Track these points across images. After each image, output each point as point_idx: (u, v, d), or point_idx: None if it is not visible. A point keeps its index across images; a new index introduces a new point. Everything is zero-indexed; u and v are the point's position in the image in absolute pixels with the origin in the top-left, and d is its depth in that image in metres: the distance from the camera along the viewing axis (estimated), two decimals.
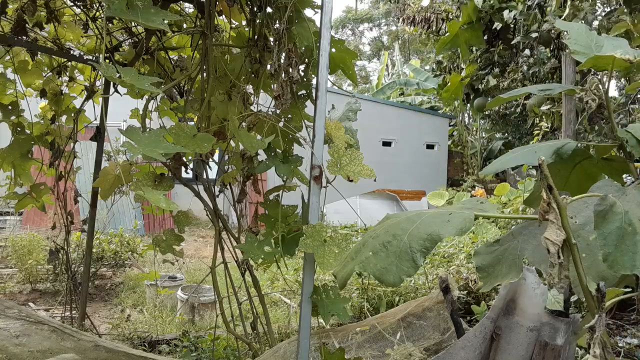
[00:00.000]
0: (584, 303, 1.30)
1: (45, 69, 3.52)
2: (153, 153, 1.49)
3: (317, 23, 1.96)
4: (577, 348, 2.93)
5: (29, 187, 3.52)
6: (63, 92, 3.59)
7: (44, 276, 6.26)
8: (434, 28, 9.56)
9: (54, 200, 3.66)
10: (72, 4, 3.26)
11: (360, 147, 2.10)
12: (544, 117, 9.16)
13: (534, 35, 7.84)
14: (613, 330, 4.50)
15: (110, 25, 3.22)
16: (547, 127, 8.97)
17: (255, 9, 2.46)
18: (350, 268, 1.35)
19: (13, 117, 3.38)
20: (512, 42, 8.58)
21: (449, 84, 8.73)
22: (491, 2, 7.63)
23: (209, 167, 2.62)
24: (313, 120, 1.89)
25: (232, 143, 2.65)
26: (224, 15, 2.74)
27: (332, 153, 1.86)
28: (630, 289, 1.48)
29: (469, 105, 11.00)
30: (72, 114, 3.60)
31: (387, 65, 21.49)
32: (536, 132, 9.27)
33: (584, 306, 3.85)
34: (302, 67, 2.28)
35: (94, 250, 5.94)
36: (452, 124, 17.54)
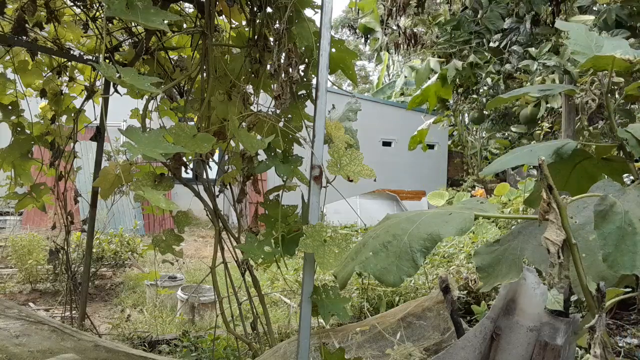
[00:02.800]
0: (584, 303, 1.30)
1: (45, 69, 3.52)
2: (153, 153, 1.49)
3: (317, 23, 1.96)
4: (577, 348, 2.93)
5: (29, 187, 3.52)
6: (63, 92, 3.59)
7: (44, 276, 6.26)
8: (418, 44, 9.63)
9: (54, 200, 3.66)
10: (72, 4, 3.26)
11: (360, 147, 2.10)
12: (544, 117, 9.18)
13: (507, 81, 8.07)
14: (613, 330, 4.50)
15: (110, 25, 3.22)
16: (548, 128, 8.96)
17: (255, 9, 2.46)
18: (351, 268, 1.35)
19: (13, 117, 3.38)
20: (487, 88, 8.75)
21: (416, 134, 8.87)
22: (464, 72, 7.82)
23: (209, 167, 2.62)
24: (313, 120, 1.89)
25: (232, 143, 2.65)
26: (224, 15, 2.74)
27: (332, 153, 1.86)
28: (630, 289, 1.48)
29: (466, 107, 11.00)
30: (72, 114, 3.60)
31: (387, 65, 21.47)
32: (537, 132, 9.26)
33: (584, 306, 3.85)
34: (302, 67, 2.28)
35: (94, 250, 5.94)
36: (451, 124, 17.54)
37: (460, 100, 9.48)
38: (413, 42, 9.23)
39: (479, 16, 7.72)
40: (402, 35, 9.25)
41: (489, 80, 8.87)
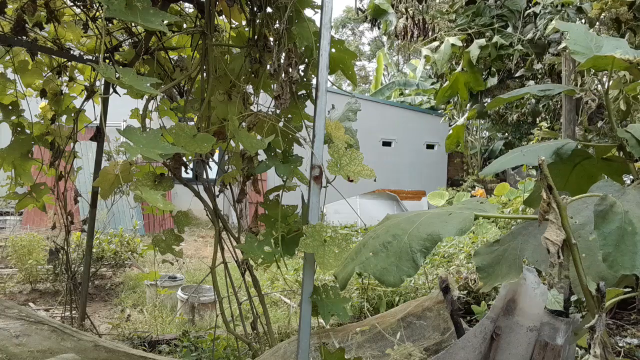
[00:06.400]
0: (584, 303, 1.30)
1: (45, 69, 3.52)
2: (151, 154, 1.48)
3: (317, 23, 1.96)
4: (577, 348, 2.93)
5: (29, 187, 3.52)
6: (63, 92, 3.59)
7: (44, 276, 6.26)
8: (429, 34, 9.50)
9: (54, 200, 3.66)
10: (72, 4, 3.26)
11: (360, 147, 2.10)
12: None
13: (538, 67, 7.90)
14: (613, 330, 4.50)
15: (110, 25, 3.22)
16: (547, 127, 8.96)
17: (255, 9, 2.46)
18: (351, 269, 1.35)
19: (13, 117, 3.38)
20: (516, 75, 8.64)
21: (452, 129, 8.81)
22: (489, 50, 7.71)
23: (209, 167, 2.62)
24: (313, 120, 1.89)
25: (232, 143, 2.65)
26: (224, 15, 2.74)
27: (332, 153, 1.86)
28: (630, 289, 1.47)
29: (468, 105, 11.00)
30: (72, 114, 3.60)
31: (385, 65, 21.48)
32: (536, 132, 9.28)
33: (584, 306, 3.85)
34: (302, 67, 2.28)
35: (94, 250, 5.93)
36: (451, 124, 17.55)
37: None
38: (422, 28, 9.17)
39: (501, 1, 7.64)
40: (411, 20, 9.19)
41: (532, 82, 8.80)
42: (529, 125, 12.38)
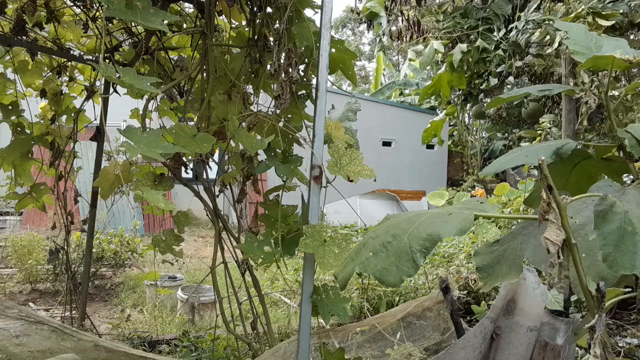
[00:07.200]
0: (584, 303, 1.29)
1: (45, 69, 3.52)
2: (152, 153, 1.48)
3: (317, 23, 1.96)
4: (577, 348, 2.93)
5: (29, 187, 3.52)
6: (63, 92, 3.59)
7: (44, 276, 6.26)
8: (425, 36, 9.60)
9: (54, 200, 3.66)
10: (72, 4, 3.26)
11: (360, 147, 2.10)
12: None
13: (518, 64, 8.05)
14: (613, 330, 4.50)
15: (110, 25, 3.22)
16: (549, 128, 8.98)
17: (255, 9, 2.46)
18: (351, 269, 1.35)
19: (13, 117, 3.38)
20: (497, 71, 8.83)
21: (429, 126, 8.96)
22: (471, 54, 7.86)
23: (209, 167, 2.62)
24: (313, 120, 1.89)
25: (232, 143, 2.65)
26: (224, 15, 2.74)
27: (332, 153, 1.86)
28: (630, 289, 1.47)
29: (468, 105, 11.04)
30: (72, 114, 3.60)
31: (383, 67, 21.49)
32: (538, 132, 9.29)
33: (584, 306, 3.85)
34: (302, 67, 2.28)
35: (94, 250, 5.94)
36: (451, 124, 17.56)
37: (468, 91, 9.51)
38: (416, 29, 9.27)
39: (487, 3, 7.78)
40: (406, 22, 9.30)
41: (511, 78, 8.95)
42: (529, 124, 12.42)
